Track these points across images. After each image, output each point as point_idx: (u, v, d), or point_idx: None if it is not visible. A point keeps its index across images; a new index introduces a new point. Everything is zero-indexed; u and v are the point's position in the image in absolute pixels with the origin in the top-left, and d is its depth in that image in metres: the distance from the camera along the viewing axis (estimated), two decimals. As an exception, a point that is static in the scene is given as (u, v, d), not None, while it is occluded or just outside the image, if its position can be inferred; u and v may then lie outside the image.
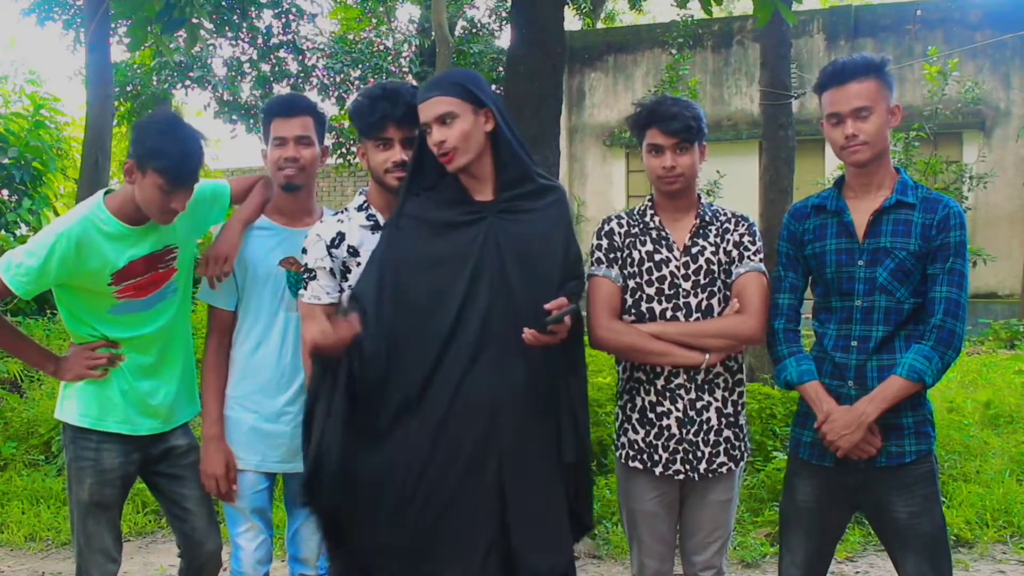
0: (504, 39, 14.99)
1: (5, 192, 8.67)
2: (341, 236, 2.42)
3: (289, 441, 2.61)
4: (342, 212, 2.53)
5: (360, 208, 2.49)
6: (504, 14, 14.76)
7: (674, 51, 11.84)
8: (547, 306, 2.19)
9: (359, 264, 2.40)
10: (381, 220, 2.45)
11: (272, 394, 2.63)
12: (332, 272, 2.41)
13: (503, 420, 2.25)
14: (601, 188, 13.96)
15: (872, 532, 4.07)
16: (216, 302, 2.66)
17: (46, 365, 2.64)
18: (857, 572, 4.00)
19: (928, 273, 2.33)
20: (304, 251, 2.46)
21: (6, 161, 8.45)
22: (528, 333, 2.19)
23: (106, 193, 2.56)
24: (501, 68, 13.11)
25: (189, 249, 2.71)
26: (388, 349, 2.26)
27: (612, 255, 2.56)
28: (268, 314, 2.63)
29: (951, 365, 2.33)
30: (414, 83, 14.57)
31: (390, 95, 2.40)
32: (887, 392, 2.30)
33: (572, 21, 15.93)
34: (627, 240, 2.56)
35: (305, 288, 2.43)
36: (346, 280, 2.41)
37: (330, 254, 2.41)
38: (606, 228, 2.60)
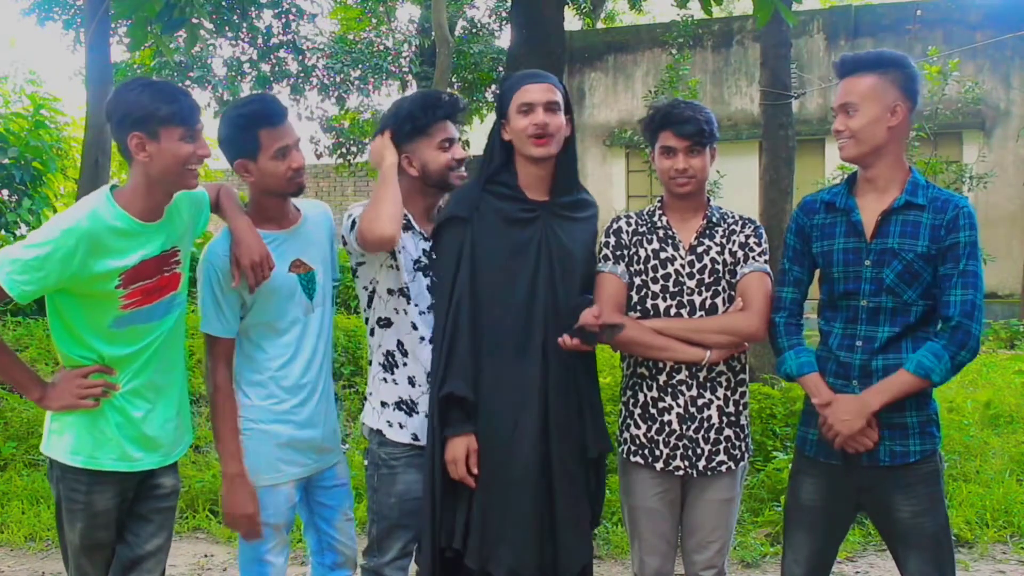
0: (504, 39, 15.00)
1: (5, 192, 8.66)
2: None
3: (320, 439, 2.63)
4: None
5: None
6: (504, 14, 14.76)
7: (674, 51, 11.82)
8: (584, 319, 2.36)
9: (393, 262, 2.52)
10: (412, 220, 2.56)
11: (307, 399, 2.60)
12: None
13: (550, 415, 2.47)
14: (601, 188, 13.93)
15: (872, 532, 4.08)
16: (219, 332, 2.50)
17: (31, 391, 2.33)
18: (857, 572, 4.00)
19: (940, 274, 2.30)
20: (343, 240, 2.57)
21: (6, 161, 8.44)
22: (569, 341, 2.39)
23: (112, 188, 2.31)
24: (501, 68, 13.10)
25: (187, 254, 2.48)
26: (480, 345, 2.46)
27: (619, 252, 2.59)
28: (292, 323, 2.57)
29: (964, 366, 2.30)
30: (414, 83, 14.58)
31: (451, 97, 2.59)
32: (892, 385, 2.29)
33: (572, 21, 15.92)
34: (634, 238, 2.60)
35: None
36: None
37: None
38: (614, 226, 2.64)
